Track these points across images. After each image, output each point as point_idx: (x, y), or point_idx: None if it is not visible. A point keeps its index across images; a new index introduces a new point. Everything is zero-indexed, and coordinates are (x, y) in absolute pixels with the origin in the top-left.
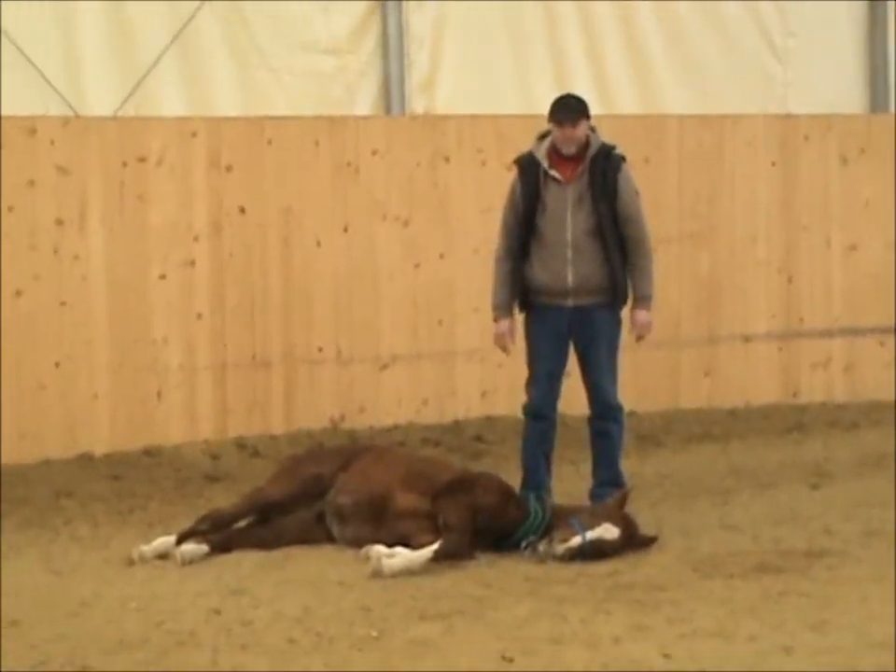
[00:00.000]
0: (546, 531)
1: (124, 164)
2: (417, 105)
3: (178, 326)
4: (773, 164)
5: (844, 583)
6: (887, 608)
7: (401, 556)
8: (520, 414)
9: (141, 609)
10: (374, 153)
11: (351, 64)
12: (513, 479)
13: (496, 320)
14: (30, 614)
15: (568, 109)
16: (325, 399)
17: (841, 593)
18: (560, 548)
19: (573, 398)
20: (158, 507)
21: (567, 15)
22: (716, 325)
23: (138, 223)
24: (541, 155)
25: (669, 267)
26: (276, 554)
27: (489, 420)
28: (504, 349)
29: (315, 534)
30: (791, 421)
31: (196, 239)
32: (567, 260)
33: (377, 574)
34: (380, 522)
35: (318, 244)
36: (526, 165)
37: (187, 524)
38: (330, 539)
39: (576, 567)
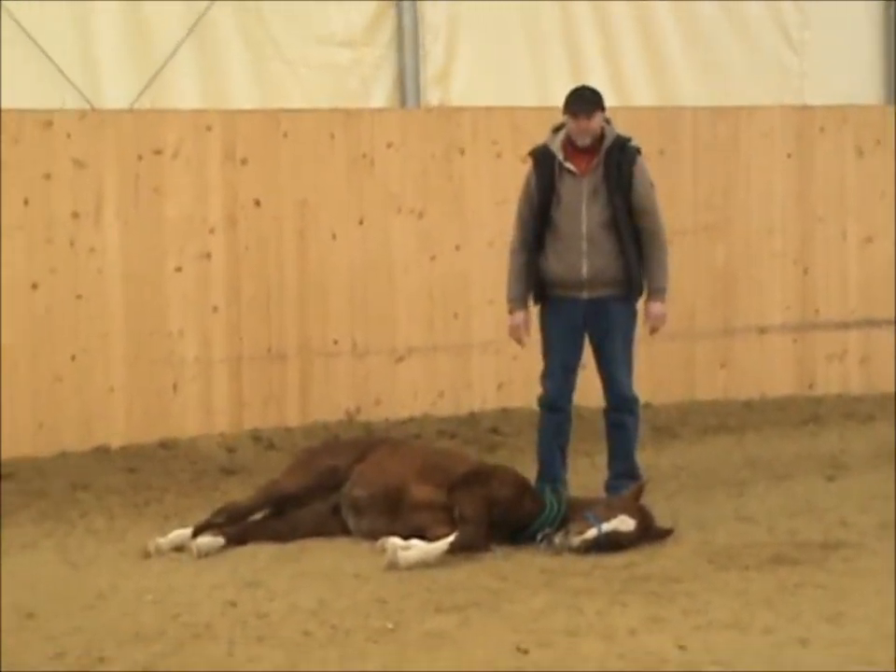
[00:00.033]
0: (562, 523)
1: (140, 157)
2: (432, 97)
3: (194, 318)
4: (788, 156)
5: (859, 575)
6: None
7: (417, 548)
8: (535, 407)
9: (157, 601)
10: (389, 146)
11: (366, 57)
12: (529, 471)
13: (510, 312)
14: (46, 606)
15: (583, 101)
16: (340, 391)
17: (857, 585)
18: (576, 540)
19: (588, 390)
20: (174, 499)
21: (582, 6)
22: (731, 317)
23: (154, 216)
24: (556, 147)
25: (685, 259)
26: (292, 547)
27: (505, 412)
28: (519, 341)
29: (331, 526)
30: (806, 413)
31: (212, 232)
32: (582, 253)
33: (393, 566)
34: (395, 514)
35: (334, 236)
36: (541, 157)
37: (202, 516)
38: (346, 531)
39: (591, 559)
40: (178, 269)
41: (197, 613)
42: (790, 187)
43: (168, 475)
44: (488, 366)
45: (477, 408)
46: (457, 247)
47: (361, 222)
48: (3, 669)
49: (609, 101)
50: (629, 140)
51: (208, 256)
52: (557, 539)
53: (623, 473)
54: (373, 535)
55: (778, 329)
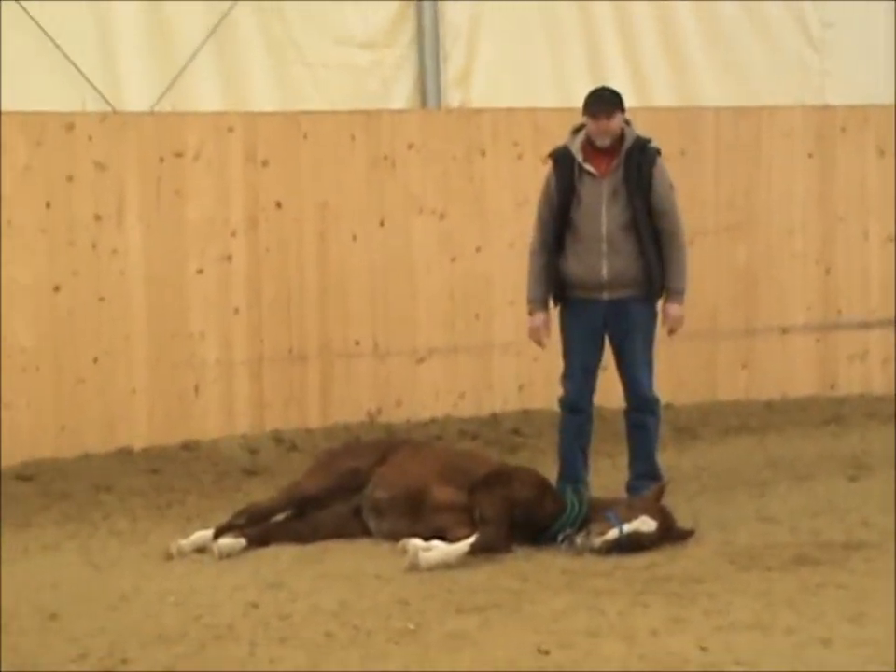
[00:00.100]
0: (583, 524)
1: (161, 160)
2: (453, 98)
3: (215, 320)
4: (810, 156)
5: (882, 575)
6: None
7: (438, 550)
8: (556, 408)
9: (179, 602)
10: (410, 147)
11: (387, 58)
12: (550, 472)
13: (531, 314)
14: (69, 608)
15: (603, 101)
16: (362, 392)
17: (879, 585)
18: (597, 541)
19: (609, 391)
20: (196, 501)
21: (603, 6)
22: (753, 317)
23: (175, 218)
24: (576, 149)
25: (706, 259)
26: (313, 548)
27: (526, 413)
28: (539, 343)
29: (352, 528)
30: (828, 413)
31: (233, 234)
32: (602, 254)
33: (414, 567)
34: (417, 515)
35: (354, 238)
36: (561, 159)
37: (224, 518)
38: (367, 532)
39: (613, 560)
40: (200, 271)
41: (219, 615)
42: (811, 187)
43: (190, 477)
44: (509, 367)
45: (498, 409)
46: (478, 249)
47: (382, 224)
48: (26, 671)
49: (629, 101)
50: (649, 141)
51: (229, 258)
52: (578, 540)
53: (645, 474)
54: (395, 536)
55: (800, 330)
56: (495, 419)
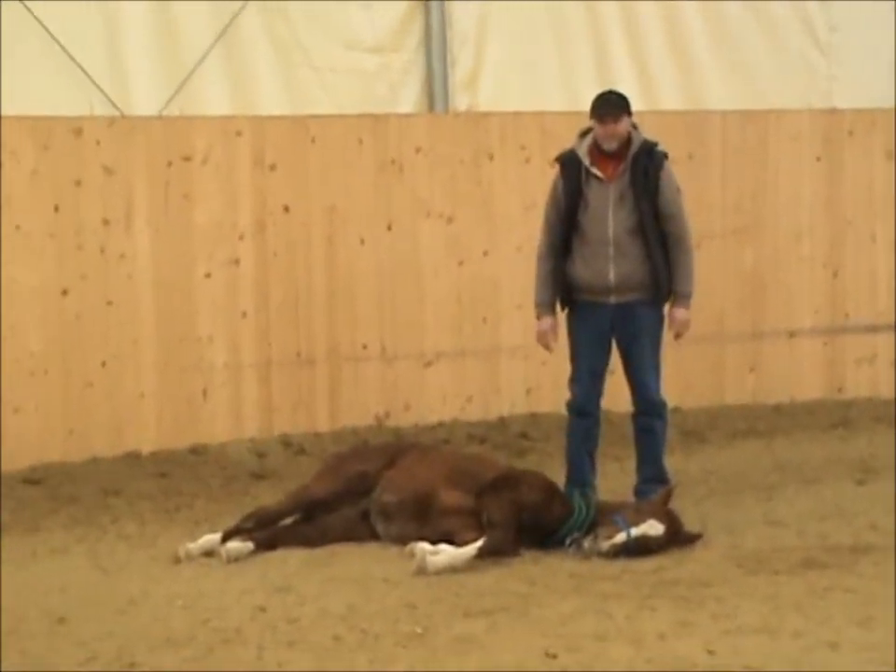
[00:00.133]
0: (590, 528)
1: (169, 164)
2: (460, 102)
3: (223, 324)
4: (817, 159)
5: (889, 579)
6: None
7: (446, 553)
8: (564, 411)
9: (187, 606)
10: (418, 151)
11: (394, 62)
12: (558, 476)
13: (538, 318)
14: (78, 612)
15: (610, 105)
16: (369, 396)
17: (887, 588)
18: (605, 545)
19: (617, 394)
20: (204, 505)
21: (610, 10)
22: (760, 320)
23: (183, 222)
24: (583, 153)
25: (713, 263)
26: (321, 552)
27: (534, 417)
28: (546, 347)
29: (360, 531)
30: (836, 417)
31: (241, 238)
32: (609, 258)
33: (421, 571)
34: (424, 519)
35: (362, 241)
36: (568, 163)
37: (232, 521)
38: (375, 536)
39: (620, 564)
40: (208, 275)
41: (227, 618)
42: (818, 190)
43: (198, 481)
44: (517, 371)
45: (506, 413)
46: (486, 252)
47: (390, 227)
48: None
49: (637, 105)
50: (656, 145)
51: (237, 262)
52: (586, 544)
53: (652, 478)
54: (402, 540)
55: (808, 333)
56: (502, 423)
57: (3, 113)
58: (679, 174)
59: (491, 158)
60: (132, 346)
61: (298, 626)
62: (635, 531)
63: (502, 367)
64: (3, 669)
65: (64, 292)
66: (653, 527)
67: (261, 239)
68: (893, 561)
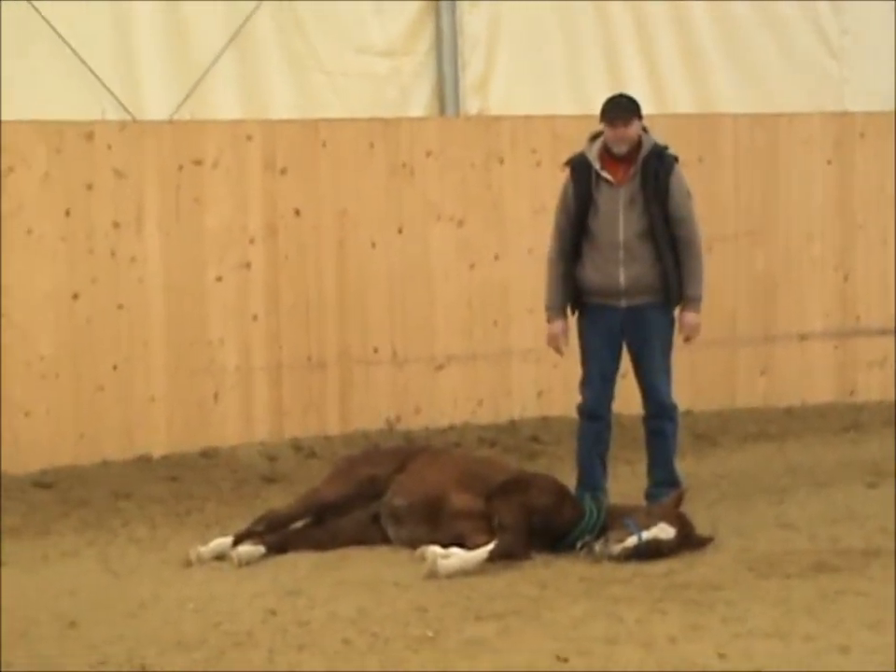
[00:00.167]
0: (601, 531)
1: (180, 168)
2: (471, 106)
3: (234, 327)
4: (828, 162)
5: None
6: None
7: (456, 557)
8: (575, 415)
9: (198, 609)
10: (429, 154)
11: (405, 66)
12: (569, 479)
13: (549, 321)
14: (89, 615)
15: (620, 108)
16: (380, 399)
17: None
18: (616, 548)
19: (628, 397)
20: (215, 508)
21: (621, 14)
22: (772, 323)
23: (194, 226)
24: (593, 156)
25: (725, 266)
26: (332, 555)
27: (545, 420)
28: (557, 350)
29: (371, 535)
30: (847, 420)
31: (252, 241)
32: (619, 261)
33: (432, 575)
34: (435, 523)
35: (373, 245)
36: (578, 167)
37: (243, 525)
38: (386, 539)
39: (631, 567)
40: (219, 278)
41: (238, 622)
42: (830, 193)
43: (209, 484)
44: (528, 374)
45: (517, 416)
46: (496, 256)
47: (401, 231)
48: None
49: (648, 108)
50: (666, 148)
51: (248, 265)
52: (597, 547)
53: (663, 481)
54: (413, 543)
55: (819, 336)
56: (513, 426)
57: (15, 117)
58: (690, 177)
59: (502, 161)
60: (142, 350)
61: (308, 630)
62: (646, 534)
63: (513, 370)
64: None
65: (75, 296)
66: (664, 531)
67: (272, 243)
68: None
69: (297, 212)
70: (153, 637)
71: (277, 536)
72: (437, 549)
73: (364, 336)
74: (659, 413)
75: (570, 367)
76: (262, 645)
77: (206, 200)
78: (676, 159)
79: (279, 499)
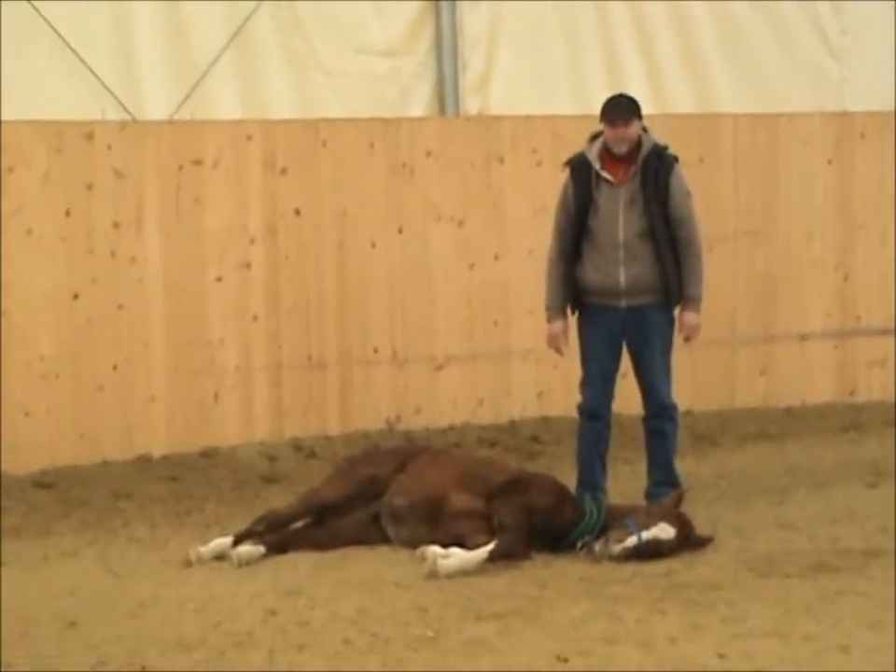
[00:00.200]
0: (601, 531)
1: (180, 168)
2: (471, 105)
3: (234, 328)
4: (829, 162)
5: None
6: None
7: (457, 557)
8: (575, 415)
9: (198, 609)
10: (429, 154)
11: (405, 66)
12: (569, 479)
13: (549, 321)
14: (89, 615)
15: (620, 108)
16: (380, 399)
17: None
18: (616, 548)
19: (628, 397)
20: (215, 508)
21: (621, 14)
22: (772, 323)
23: (194, 226)
24: (593, 156)
25: (725, 266)
26: (332, 555)
27: (545, 420)
28: (557, 350)
29: (371, 535)
30: (847, 420)
31: (252, 241)
32: (619, 261)
33: (432, 574)
34: (435, 523)
35: (373, 245)
36: (578, 167)
37: (243, 525)
38: (386, 539)
39: (631, 567)
40: (219, 278)
41: (238, 622)
42: (830, 193)
43: (209, 484)
44: (528, 374)
45: (517, 416)
46: (497, 256)
47: (401, 231)
48: None
49: (648, 108)
50: (666, 148)
51: (248, 265)
52: (597, 547)
53: (663, 481)
54: (413, 543)
55: (819, 336)
56: (513, 426)
57: (15, 117)
58: (691, 177)
59: (502, 161)
60: (142, 350)
61: (309, 630)
62: (646, 534)
63: (513, 370)
64: None
65: (75, 296)
66: (664, 531)
67: (272, 243)
68: None
69: (297, 212)
70: (153, 637)
71: (277, 536)
72: (437, 549)
73: (364, 336)
74: (659, 413)
75: (570, 367)
76: (262, 645)
77: (206, 200)
78: (676, 159)
79: (279, 499)
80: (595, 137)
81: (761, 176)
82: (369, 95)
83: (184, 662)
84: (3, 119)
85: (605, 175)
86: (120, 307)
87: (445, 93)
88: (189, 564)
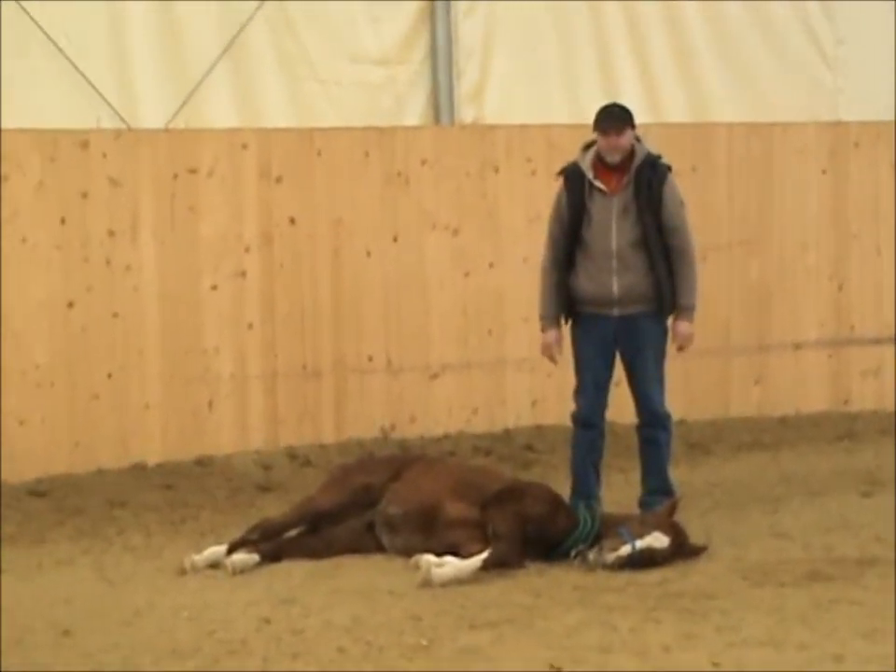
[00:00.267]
0: (595, 540)
1: (175, 176)
2: (466, 114)
3: (229, 336)
4: (823, 172)
5: (895, 591)
6: None
7: (451, 565)
8: (569, 423)
9: (193, 618)
10: (424, 163)
11: (400, 75)
12: (563, 488)
13: (543, 330)
14: (83, 623)
15: (613, 118)
16: (375, 408)
17: (892, 601)
18: (609, 557)
19: (622, 406)
20: (209, 516)
21: (616, 24)
22: (766, 332)
23: (189, 234)
24: (586, 165)
25: (719, 275)
26: (326, 564)
27: (539, 429)
28: (551, 359)
29: (365, 543)
30: (841, 429)
31: (247, 250)
32: (612, 271)
33: (427, 583)
34: (430, 531)
35: (368, 254)
36: (571, 176)
37: (238, 533)
38: (380, 548)
39: (625, 576)
40: (214, 287)
41: (232, 630)
42: (824, 203)
43: (204, 492)
44: (522, 383)
45: (511, 425)
46: (491, 265)
47: (396, 239)
48: None
49: (642, 118)
50: (659, 157)
51: (243, 274)
52: (591, 556)
53: (657, 490)
54: (408, 552)
55: (813, 345)
56: (508, 435)
57: (10, 125)
58: (685, 186)
59: (497, 170)
60: (137, 358)
61: (303, 638)
62: (639, 543)
63: (508, 379)
64: None
65: (70, 304)
66: (658, 539)
67: (267, 251)
68: None
69: (292, 220)
70: (148, 645)
71: (272, 544)
72: (431, 557)
73: (359, 344)
74: (652, 422)
75: (564, 376)
76: (257, 653)
77: (201, 208)
78: (669, 168)
79: (274, 508)
80: (588, 146)
81: (755, 186)
82: (364, 104)
83: (178, 670)
84: None
85: (598, 184)
86: (115, 315)
87: (440, 102)
88: (183, 572)
